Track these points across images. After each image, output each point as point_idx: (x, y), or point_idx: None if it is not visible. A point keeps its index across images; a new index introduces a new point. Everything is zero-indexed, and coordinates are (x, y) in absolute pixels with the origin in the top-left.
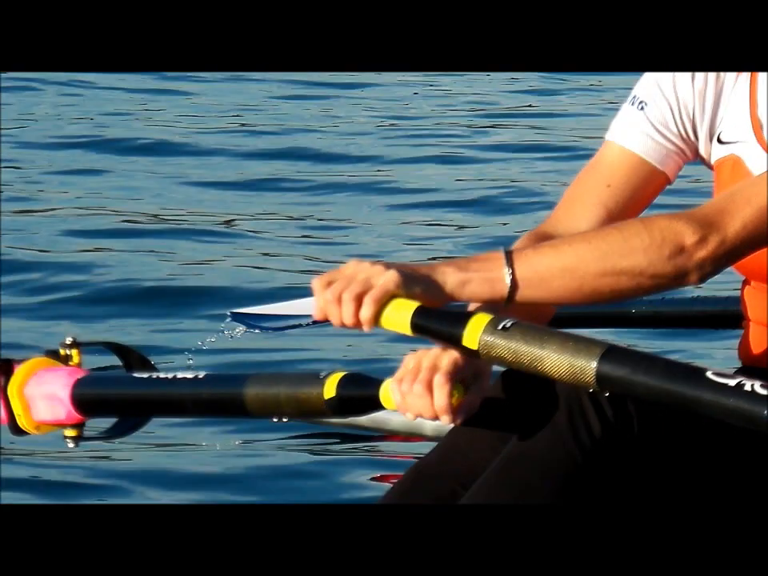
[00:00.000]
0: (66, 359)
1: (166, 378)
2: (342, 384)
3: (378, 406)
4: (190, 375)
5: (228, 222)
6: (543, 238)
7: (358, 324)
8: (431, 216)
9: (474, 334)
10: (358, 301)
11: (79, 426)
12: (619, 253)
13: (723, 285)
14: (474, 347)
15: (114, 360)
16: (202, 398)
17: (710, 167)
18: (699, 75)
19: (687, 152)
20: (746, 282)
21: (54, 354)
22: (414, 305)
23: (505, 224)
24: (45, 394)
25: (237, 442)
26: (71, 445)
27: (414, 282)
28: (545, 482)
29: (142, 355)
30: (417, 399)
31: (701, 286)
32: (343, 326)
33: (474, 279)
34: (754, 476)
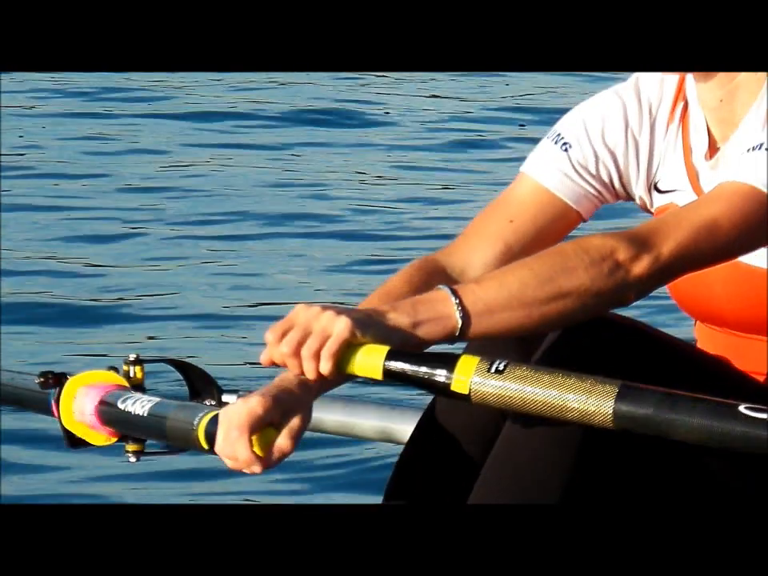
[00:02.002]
0: (127, 375)
1: (129, 409)
2: (208, 427)
3: None
4: (150, 402)
5: None
6: (435, 266)
7: (320, 378)
8: None
9: (464, 378)
10: (317, 357)
11: (142, 441)
12: (562, 274)
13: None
14: (464, 392)
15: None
16: (149, 425)
17: (652, 215)
18: (633, 122)
19: (606, 196)
20: (696, 321)
21: (115, 370)
22: (383, 349)
23: None
24: (85, 409)
25: None
26: (132, 459)
27: (368, 326)
28: (552, 475)
29: (205, 372)
30: (232, 461)
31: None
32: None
33: (424, 321)
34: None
